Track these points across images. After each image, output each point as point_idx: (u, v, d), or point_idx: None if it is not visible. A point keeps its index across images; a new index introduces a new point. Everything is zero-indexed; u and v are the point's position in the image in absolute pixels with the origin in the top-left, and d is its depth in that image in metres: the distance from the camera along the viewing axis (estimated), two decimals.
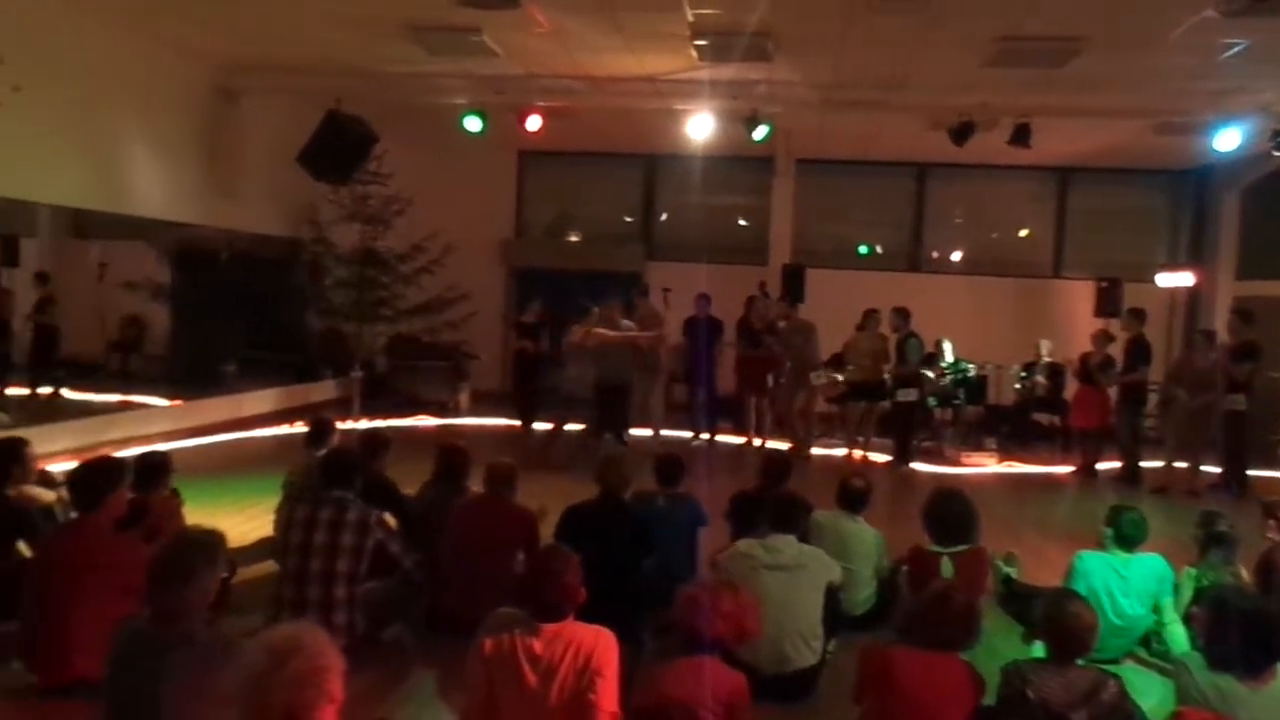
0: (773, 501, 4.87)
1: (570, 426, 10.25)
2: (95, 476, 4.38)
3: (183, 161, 10.99)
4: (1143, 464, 10.35)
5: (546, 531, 5.14)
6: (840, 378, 11.93)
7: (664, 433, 11.63)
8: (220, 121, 11.50)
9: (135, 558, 3.82)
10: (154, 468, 5.04)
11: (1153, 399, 10.96)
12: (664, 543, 5.16)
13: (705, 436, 11.57)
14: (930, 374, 11.66)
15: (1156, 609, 4.99)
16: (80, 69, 9.33)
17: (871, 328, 11.15)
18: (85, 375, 12.50)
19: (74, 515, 4.40)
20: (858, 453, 11.28)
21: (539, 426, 11.81)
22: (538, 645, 3.32)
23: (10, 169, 8.59)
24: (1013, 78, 9.63)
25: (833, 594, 4.72)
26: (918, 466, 10.86)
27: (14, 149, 8.56)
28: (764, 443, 11.39)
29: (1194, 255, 14.14)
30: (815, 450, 11.29)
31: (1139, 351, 10.21)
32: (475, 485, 5.59)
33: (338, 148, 10.61)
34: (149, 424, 10.56)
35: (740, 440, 11.71)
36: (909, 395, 10.83)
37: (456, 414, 13.28)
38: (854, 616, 5.32)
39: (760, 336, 11.36)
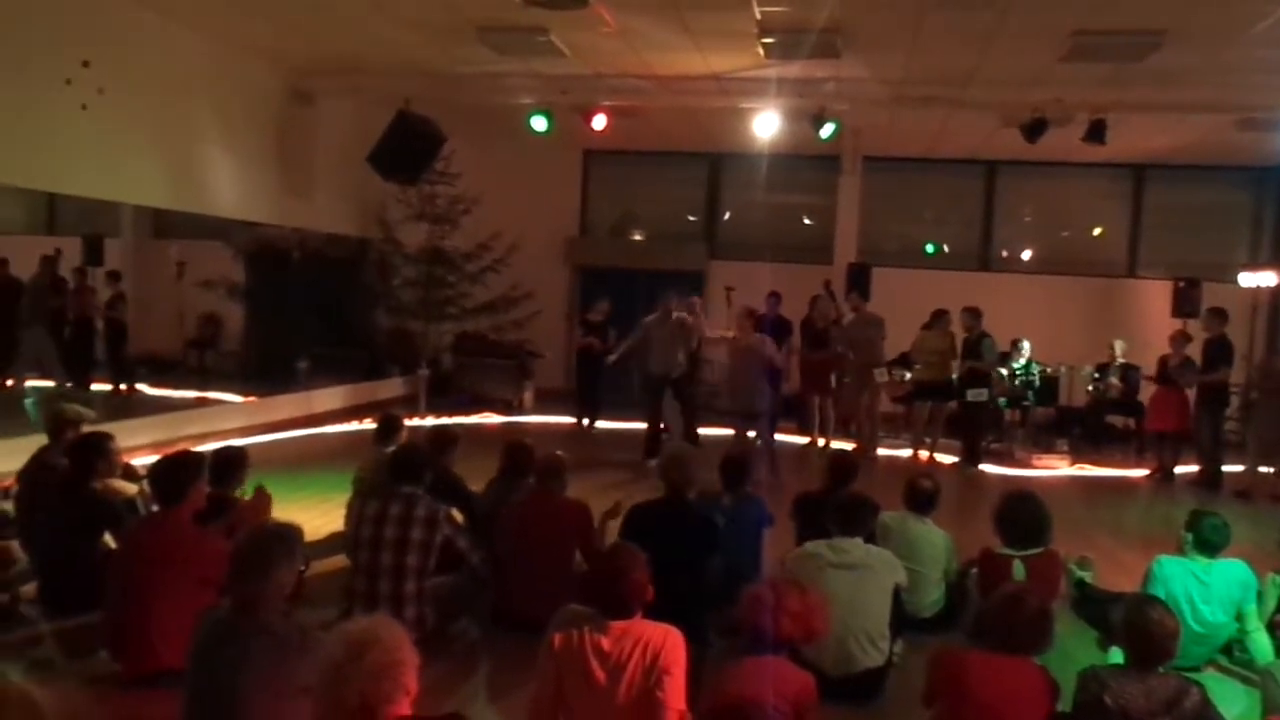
0: (839, 502, 4.84)
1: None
2: (175, 470, 4.50)
3: (257, 162, 11.24)
4: (1224, 469, 10.10)
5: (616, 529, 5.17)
6: (908, 376, 11.82)
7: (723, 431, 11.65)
8: (294, 123, 11.74)
9: (215, 551, 3.92)
10: (230, 462, 5.16)
11: (1234, 402, 10.68)
12: (729, 543, 5.15)
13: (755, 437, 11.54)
14: (1004, 373, 11.50)
15: (1239, 616, 4.87)
16: (160, 72, 9.59)
17: (940, 327, 11.01)
18: (164, 372, 12.87)
19: (155, 509, 4.52)
20: (924, 453, 11.16)
21: (600, 424, 11.90)
22: (606, 642, 3.34)
23: (95, 170, 8.86)
24: (1088, 73, 9.43)
25: (899, 596, 4.67)
26: (986, 468, 10.72)
27: (98, 151, 8.83)
28: (828, 443, 11.33)
29: (1277, 254, 13.74)
30: (881, 451, 11.19)
31: (1220, 352, 9.95)
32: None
33: (407, 148, 10.76)
34: (224, 420, 10.81)
35: (804, 441, 11.66)
36: (979, 395, 10.68)
37: (521, 411, 13.39)
38: (922, 619, 5.26)
39: (824, 336, 11.29)
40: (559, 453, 5.37)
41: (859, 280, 12.55)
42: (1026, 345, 11.91)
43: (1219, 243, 14.21)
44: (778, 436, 11.59)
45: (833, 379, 11.42)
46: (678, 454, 5.38)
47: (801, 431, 11.84)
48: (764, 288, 11.68)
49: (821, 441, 11.42)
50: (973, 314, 10.78)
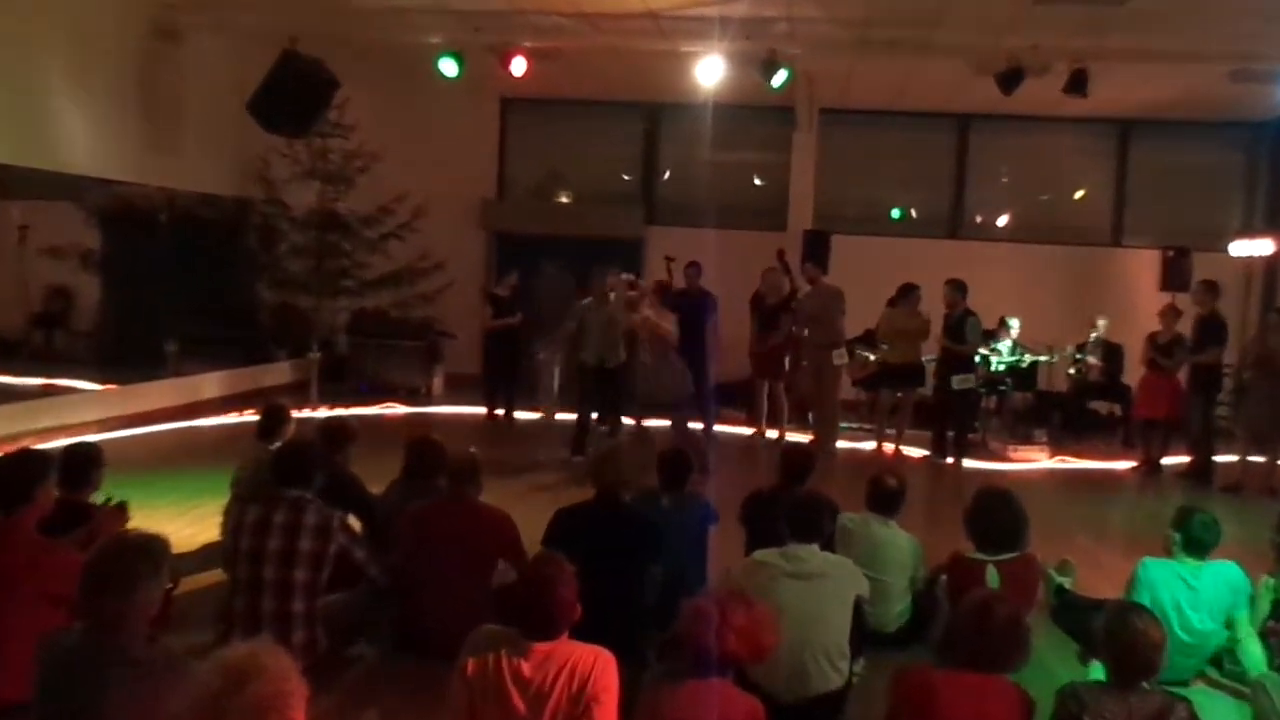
0: (793, 503, 4.87)
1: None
2: (16, 470, 4.38)
3: (115, 110, 10.95)
4: (1215, 459, 10.38)
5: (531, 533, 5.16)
6: (871, 357, 11.94)
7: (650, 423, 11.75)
8: (158, 65, 11.45)
9: (65, 564, 3.82)
10: (84, 461, 5.02)
11: (1228, 384, 10.97)
12: (670, 549, 5.16)
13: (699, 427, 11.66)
14: (987, 357, 11.66)
15: (1230, 623, 5.00)
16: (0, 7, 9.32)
17: (908, 303, 11.16)
18: (3, 355, 12.51)
19: None
20: (889, 446, 11.32)
21: (519, 415, 11.87)
22: (527, 667, 3.32)
23: None
24: (1068, 15, 9.59)
25: (860, 609, 4.73)
26: (959, 462, 10.91)
27: None
28: (781, 435, 11.45)
29: (1273, 220, 14.13)
30: (840, 444, 11.33)
31: (1211, 330, 10.18)
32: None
33: (293, 95, 10.57)
34: (76, 411, 10.57)
35: (752, 432, 11.76)
36: (965, 382, 10.81)
37: (429, 401, 13.32)
38: (886, 634, 5.33)
39: (775, 313, 11.39)
40: (473, 450, 5.33)
41: (816, 249, 12.64)
42: (1015, 324, 12.06)
43: (1210, 207, 14.60)
44: (720, 428, 11.73)
45: (786, 362, 11.53)
46: (610, 450, 5.38)
47: (750, 422, 11.93)
48: (708, 257, 11.75)
49: (773, 433, 11.54)
50: (955, 287, 10.91)
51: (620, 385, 10.42)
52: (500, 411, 11.97)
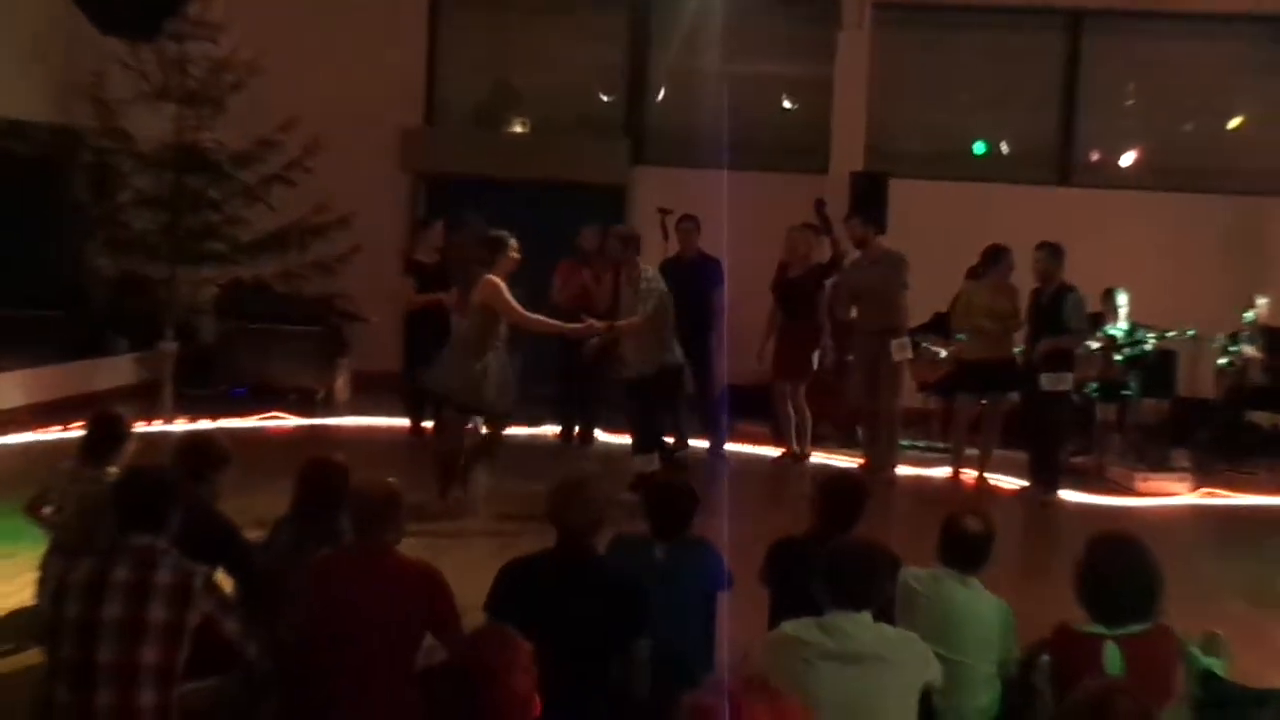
0: (837, 555, 4.87)
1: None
2: None
3: None
4: None
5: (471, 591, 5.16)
6: (943, 352, 11.96)
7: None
8: None
9: None
10: None
11: None
12: (663, 618, 5.15)
13: (705, 445, 11.68)
14: (1095, 346, 11.65)
15: None
16: None
17: (996, 274, 11.18)
18: None
19: None
20: (970, 473, 11.37)
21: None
22: None
23: None
24: None
25: (930, 702, 4.72)
26: (1067, 495, 10.96)
27: None
28: (805, 456, 11.64)
29: None
30: (902, 470, 11.40)
31: None
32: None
33: None
34: None
35: (777, 452, 11.83)
36: (1059, 383, 10.83)
37: (331, 409, 13.38)
38: None
39: (806, 288, 11.45)
40: (392, 480, 5.32)
41: (868, 199, 12.67)
42: (1123, 297, 12.09)
43: None
44: (735, 447, 11.74)
45: (815, 356, 11.57)
46: (573, 481, 5.38)
47: (776, 438, 11.96)
48: (716, 210, 11.78)
49: (808, 454, 11.70)
50: (1051, 253, 10.93)
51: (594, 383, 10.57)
52: (429, 424, 11.92)
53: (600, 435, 12.35)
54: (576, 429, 12.41)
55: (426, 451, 10.31)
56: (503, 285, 9.20)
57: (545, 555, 5.19)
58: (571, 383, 12.29)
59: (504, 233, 9.54)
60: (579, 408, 12.43)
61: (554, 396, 12.57)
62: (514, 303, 9.23)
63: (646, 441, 10.00)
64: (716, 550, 5.73)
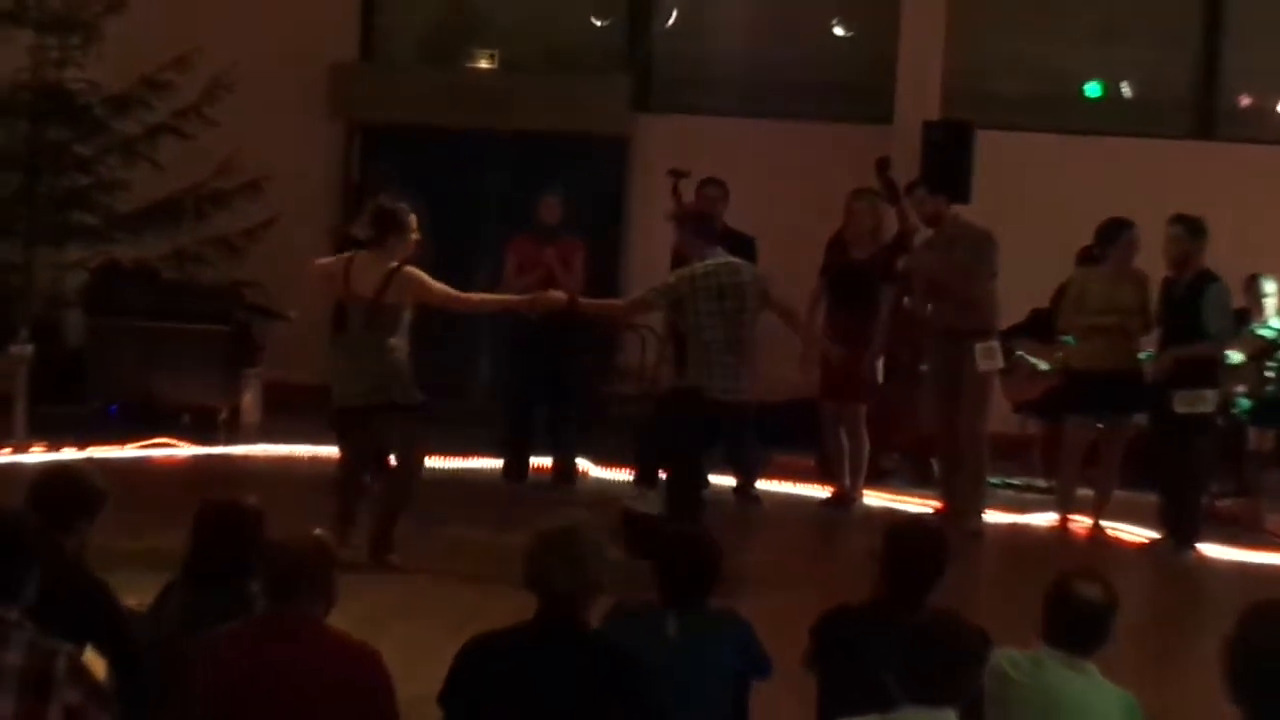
0: (907, 633, 4.85)
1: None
2: None
3: None
4: None
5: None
6: (1043, 365, 11.94)
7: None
8: None
9: None
10: None
11: None
12: (678, 713, 5.14)
13: (731, 483, 11.67)
14: (1239, 356, 11.59)
15: None
16: None
17: (1116, 257, 11.13)
18: None
19: None
20: (1084, 521, 11.35)
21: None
22: None
23: None
24: None
25: None
26: (1211, 550, 10.92)
27: None
28: (857, 497, 11.66)
29: None
30: (991, 516, 11.39)
31: None
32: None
33: None
34: None
35: (827, 492, 11.87)
36: (1199, 403, 10.77)
37: (236, 433, 13.38)
38: None
39: (863, 277, 11.48)
40: (319, 533, 5.30)
41: (947, 159, 12.63)
42: (1271, 285, 12.02)
43: None
44: (771, 486, 11.72)
45: (879, 366, 11.54)
46: (558, 530, 5.32)
47: (825, 474, 11.95)
48: (745, 172, 11.70)
49: (867, 497, 11.70)
50: (1189, 230, 10.85)
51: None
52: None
53: (589, 469, 12.38)
54: (554, 462, 12.29)
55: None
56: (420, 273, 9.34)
57: (521, 630, 5.11)
58: (525, 391, 12.24)
59: (400, 205, 9.49)
60: (549, 431, 12.35)
61: (498, 416, 12.57)
62: (440, 285, 9.36)
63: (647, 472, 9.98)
64: (747, 624, 5.68)
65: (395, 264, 9.20)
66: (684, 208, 11.21)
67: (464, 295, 9.46)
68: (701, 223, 10.17)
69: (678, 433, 9.93)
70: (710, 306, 9.59)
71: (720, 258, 9.72)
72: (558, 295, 9.90)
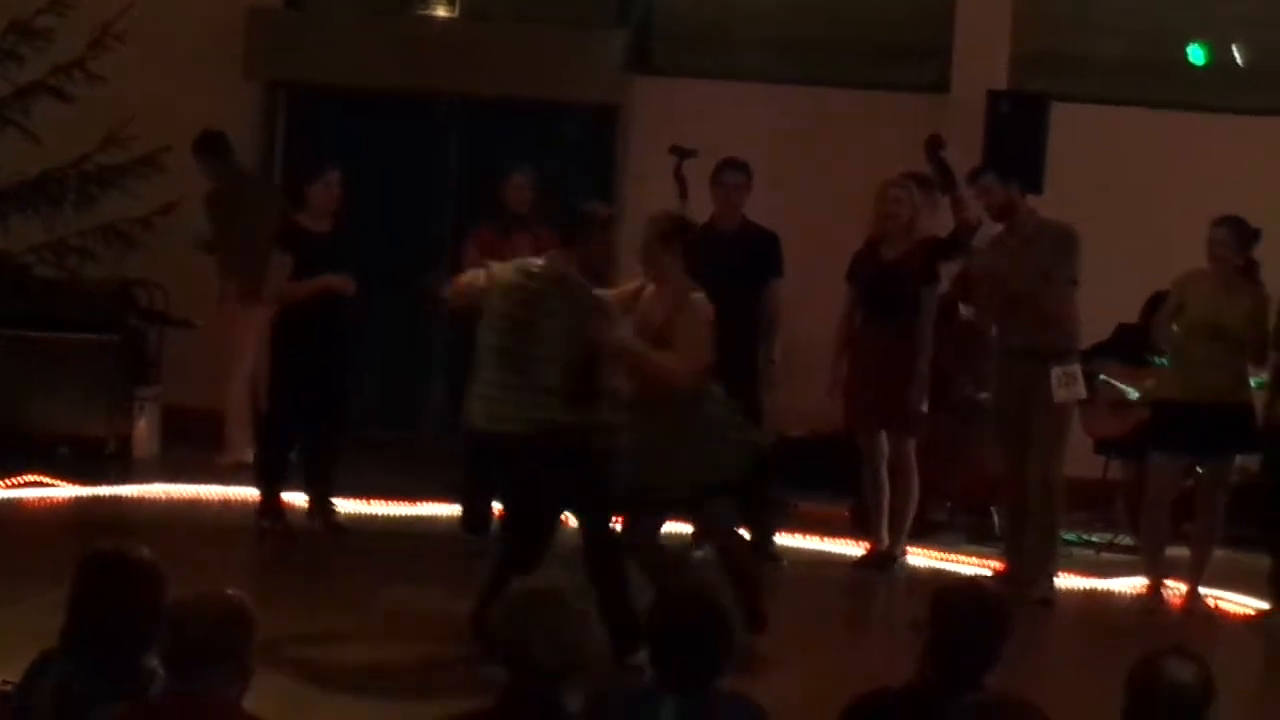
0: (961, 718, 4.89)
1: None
2: None
3: None
4: None
5: None
6: (1132, 394, 11.97)
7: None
8: None
9: None
10: None
11: None
12: None
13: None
14: None
15: None
16: None
17: (1229, 261, 11.18)
18: None
19: None
20: (1178, 587, 11.36)
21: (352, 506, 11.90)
22: None
23: None
24: None
25: None
26: None
27: None
28: (900, 555, 11.65)
29: None
30: (1065, 580, 11.40)
31: None
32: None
33: None
34: None
35: (862, 549, 11.91)
36: None
37: (126, 471, 13.37)
38: None
39: (906, 281, 11.52)
40: (232, 593, 5.31)
41: (1016, 137, 12.69)
42: None
43: None
44: (793, 541, 11.74)
45: (922, 391, 11.53)
46: (535, 596, 5.35)
47: (860, 525, 11.97)
48: (765, 151, 11.77)
49: (911, 557, 11.72)
50: None
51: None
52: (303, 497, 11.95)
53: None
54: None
55: (290, 544, 10.39)
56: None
57: (491, 715, 5.17)
58: None
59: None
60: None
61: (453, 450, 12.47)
62: None
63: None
64: (763, 712, 5.71)
65: None
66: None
67: None
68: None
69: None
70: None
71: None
72: None
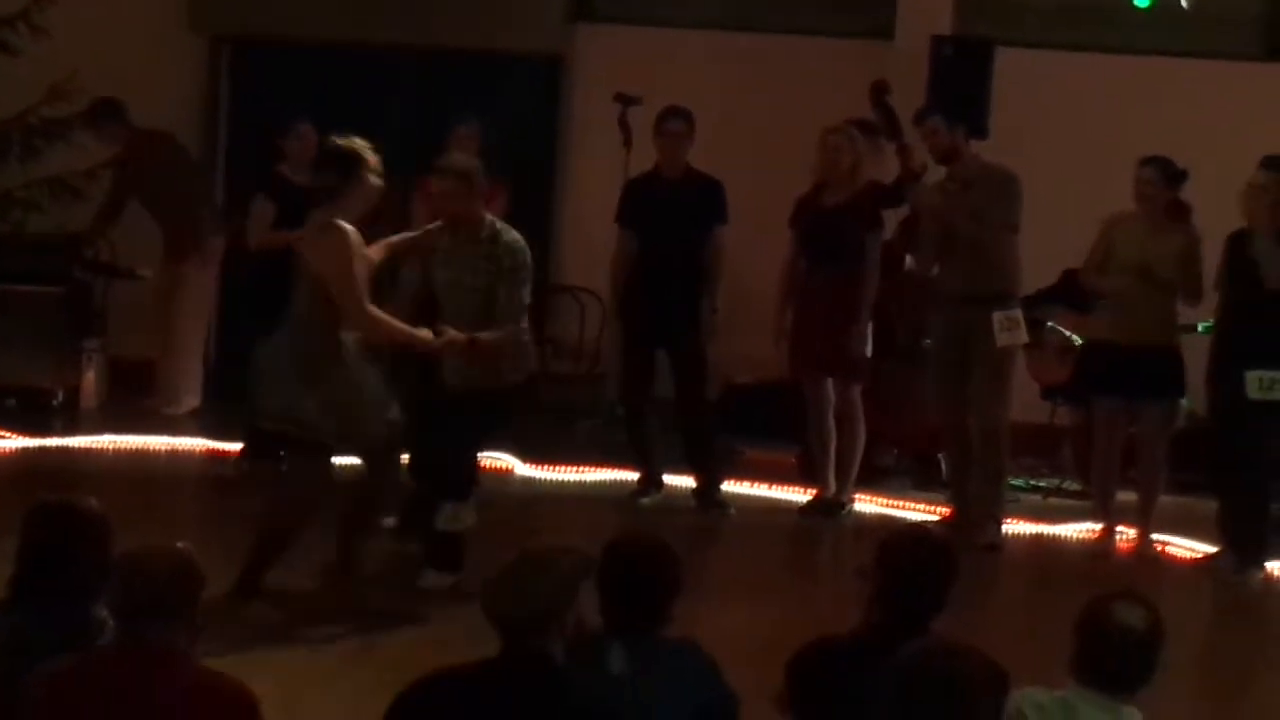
0: (904, 673, 4.88)
1: None
2: None
3: None
4: None
5: None
6: (1077, 339, 11.99)
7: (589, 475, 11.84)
8: None
9: None
10: None
11: None
12: None
13: (691, 485, 11.69)
14: None
15: None
16: None
17: (1151, 195, 11.11)
18: None
19: None
20: (1125, 532, 11.44)
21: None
22: None
23: None
24: None
25: None
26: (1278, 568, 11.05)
27: None
28: (846, 501, 11.69)
29: None
30: (1011, 526, 11.46)
31: None
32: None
33: None
34: None
35: (808, 495, 11.94)
36: (1267, 388, 10.85)
37: (74, 423, 13.39)
38: None
39: (848, 229, 11.53)
40: (182, 545, 5.30)
41: (960, 82, 12.72)
42: None
43: None
44: (739, 487, 11.84)
45: (868, 337, 11.54)
46: (533, 554, 5.33)
47: (805, 474, 12.09)
48: (710, 98, 11.72)
49: (858, 502, 11.77)
50: (1274, 172, 10.96)
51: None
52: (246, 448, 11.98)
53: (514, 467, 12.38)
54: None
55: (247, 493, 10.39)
56: (353, 241, 9.06)
57: (472, 671, 5.17)
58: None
59: (357, 142, 9.39)
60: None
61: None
62: (360, 287, 9.09)
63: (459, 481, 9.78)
64: (710, 656, 5.71)
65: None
66: None
67: (376, 316, 9.20)
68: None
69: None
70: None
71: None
72: (460, 339, 9.30)
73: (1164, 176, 10.92)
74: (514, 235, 9.55)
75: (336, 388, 8.87)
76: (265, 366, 9.04)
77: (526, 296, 9.52)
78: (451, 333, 9.26)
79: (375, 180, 9.04)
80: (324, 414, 8.83)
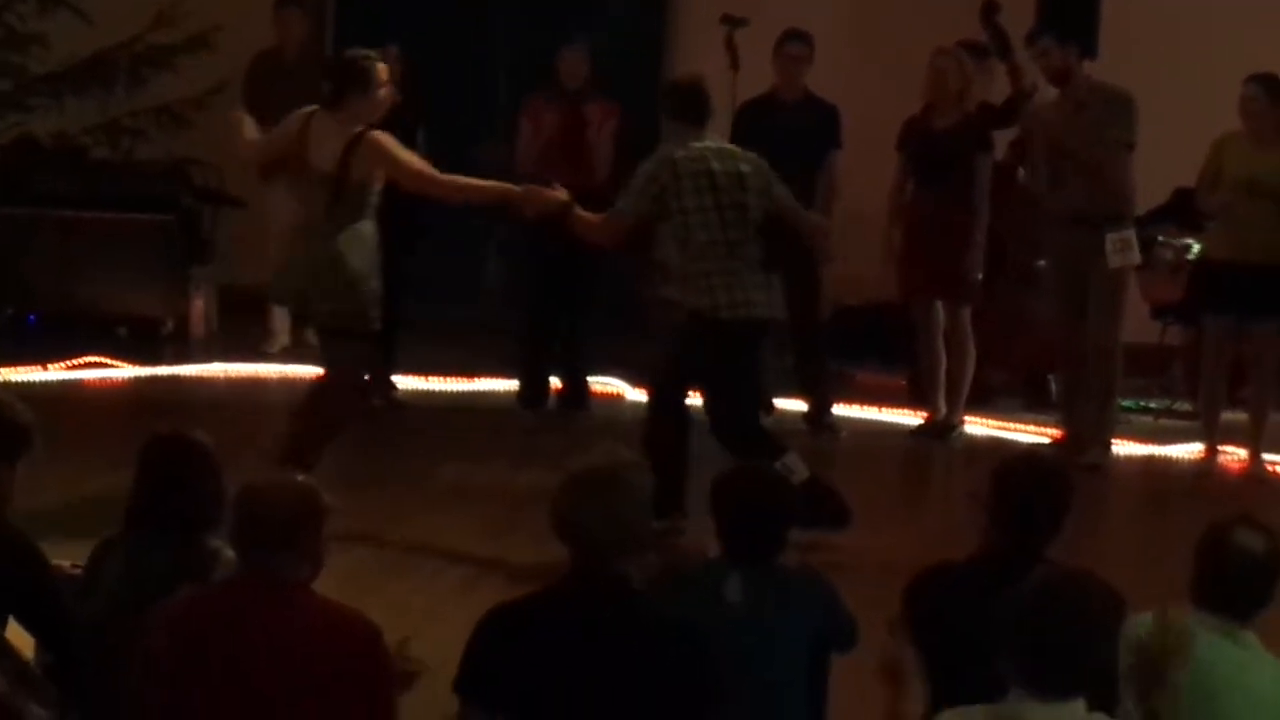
0: (1024, 599, 4.84)
1: None
2: None
3: None
4: None
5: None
6: (1194, 248, 11.88)
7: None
8: None
9: None
10: None
11: None
12: (743, 695, 5.16)
13: (803, 409, 11.67)
14: None
15: None
16: None
17: (1257, 112, 11.01)
18: None
19: None
20: (1238, 453, 11.40)
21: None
22: None
23: None
24: None
25: None
26: None
27: None
28: (957, 424, 11.67)
29: None
30: (1122, 447, 11.43)
31: None
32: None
33: None
34: None
35: (919, 419, 11.96)
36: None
37: (184, 351, 13.46)
38: None
39: (959, 150, 11.50)
40: (303, 479, 5.30)
41: (1071, 2, 12.54)
42: None
43: None
44: (849, 411, 11.86)
45: (979, 260, 11.55)
46: (598, 471, 5.30)
47: (916, 397, 12.10)
48: (821, 21, 11.66)
49: (969, 425, 11.74)
50: None
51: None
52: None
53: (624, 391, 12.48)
54: (559, 380, 12.24)
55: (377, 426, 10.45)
56: (386, 138, 9.12)
57: (549, 596, 5.16)
58: (547, 298, 12.12)
59: (363, 53, 9.33)
60: (561, 343, 12.27)
61: (512, 325, 12.60)
62: (412, 157, 9.16)
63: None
64: (830, 584, 5.71)
65: (359, 129, 9.02)
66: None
67: (442, 177, 9.20)
68: (684, 96, 9.58)
69: (697, 368, 9.58)
70: (701, 202, 9.23)
71: (711, 141, 9.46)
72: (554, 195, 9.37)
73: (1269, 93, 10.84)
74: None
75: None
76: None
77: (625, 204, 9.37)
78: (547, 195, 9.40)
79: (383, 93, 9.21)
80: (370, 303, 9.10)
